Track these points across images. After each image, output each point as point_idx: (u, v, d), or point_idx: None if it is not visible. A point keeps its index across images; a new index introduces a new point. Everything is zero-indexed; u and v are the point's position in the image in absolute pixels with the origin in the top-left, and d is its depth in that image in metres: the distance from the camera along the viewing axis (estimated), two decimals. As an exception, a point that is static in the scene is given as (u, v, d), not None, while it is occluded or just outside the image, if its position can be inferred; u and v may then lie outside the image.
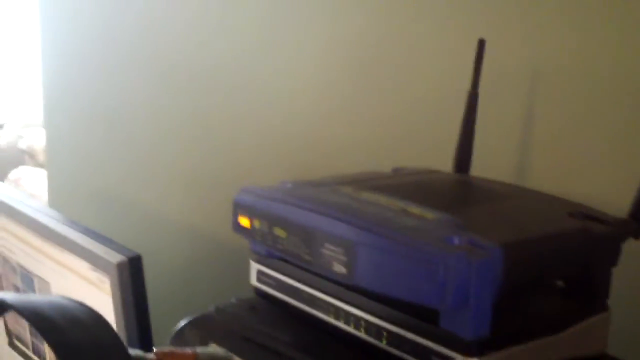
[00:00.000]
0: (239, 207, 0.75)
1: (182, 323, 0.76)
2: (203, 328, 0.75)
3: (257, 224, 0.73)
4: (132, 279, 1.05)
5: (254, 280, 0.79)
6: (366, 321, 0.67)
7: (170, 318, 0.81)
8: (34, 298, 0.52)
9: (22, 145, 4.69)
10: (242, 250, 0.84)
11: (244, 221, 0.74)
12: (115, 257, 1.06)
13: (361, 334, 0.67)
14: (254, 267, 0.78)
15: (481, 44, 0.87)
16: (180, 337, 0.75)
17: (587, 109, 0.90)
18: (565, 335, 0.66)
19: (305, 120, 1.26)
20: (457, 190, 0.78)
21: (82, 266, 1.12)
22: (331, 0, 1.19)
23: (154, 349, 0.65)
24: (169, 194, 1.58)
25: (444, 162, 0.89)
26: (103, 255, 1.07)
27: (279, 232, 0.70)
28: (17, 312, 0.50)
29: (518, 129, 0.96)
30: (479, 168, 0.88)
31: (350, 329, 0.69)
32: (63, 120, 1.88)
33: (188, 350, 0.67)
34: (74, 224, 1.18)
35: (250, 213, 0.73)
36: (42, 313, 0.50)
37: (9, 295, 0.51)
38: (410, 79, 1.09)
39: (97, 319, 0.51)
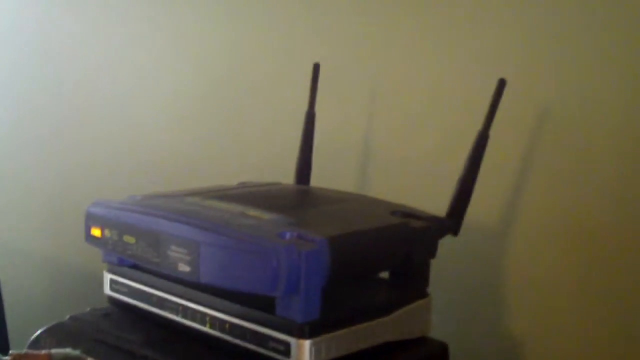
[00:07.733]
0: (90, 219, 0.79)
1: (38, 332, 0.80)
2: (58, 334, 0.78)
3: (107, 233, 0.77)
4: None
5: (107, 290, 0.83)
6: (210, 316, 0.73)
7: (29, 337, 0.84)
8: None
9: None
10: (97, 272, 0.88)
11: (96, 231, 0.79)
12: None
13: (206, 329, 0.73)
14: (107, 276, 0.83)
15: (316, 67, 0.95)
16: (36, 344, 0.78)
17: (411, 122, 1.00)
18: (389, 319, 0.73)
19: (156, 145, 1.31)
20: (294, 197, 0.85)
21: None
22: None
23: (10, 352, 0.69)
24: (23, 224, 1.59)
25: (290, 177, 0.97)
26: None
27: (128, 238, 0.75)
28: None
29: (355, 143, 1.05)
30: (319, 179, 0.96)
31: (196, 325, 0.74)
32: None
33: (42, 351, 0.70)
34: None
35: (101, 223, 0.78)
36: None
37: None
38: (257, 103, 1.16)
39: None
